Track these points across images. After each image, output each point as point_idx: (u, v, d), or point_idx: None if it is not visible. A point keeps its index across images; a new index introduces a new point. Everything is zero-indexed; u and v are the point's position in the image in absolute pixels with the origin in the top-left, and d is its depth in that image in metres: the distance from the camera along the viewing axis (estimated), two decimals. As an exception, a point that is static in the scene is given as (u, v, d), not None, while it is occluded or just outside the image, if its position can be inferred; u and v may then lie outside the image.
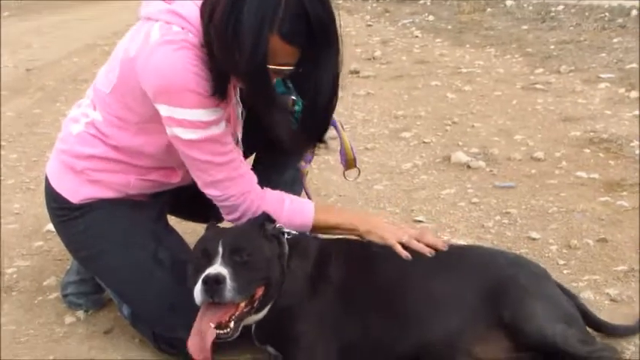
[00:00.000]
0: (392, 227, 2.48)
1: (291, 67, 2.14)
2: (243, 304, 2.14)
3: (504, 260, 2.37)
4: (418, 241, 2.38)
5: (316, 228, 2.48)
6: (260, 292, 2.19)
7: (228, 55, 2.05)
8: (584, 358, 2.12)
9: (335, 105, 2.34)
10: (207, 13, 2.08)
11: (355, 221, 2.51)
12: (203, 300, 2.06)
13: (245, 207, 2.38)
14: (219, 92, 2.16)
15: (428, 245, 2.36)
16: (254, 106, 2.28)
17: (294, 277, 2.30)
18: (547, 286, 2.29)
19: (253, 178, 2.42)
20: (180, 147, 2.27)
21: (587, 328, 2.28)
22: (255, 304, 2.19)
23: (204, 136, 2.22)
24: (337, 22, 2.16)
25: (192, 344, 2.11)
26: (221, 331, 2.10)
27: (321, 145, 2.50)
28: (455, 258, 2.37)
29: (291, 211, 2.44)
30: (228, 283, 2.04)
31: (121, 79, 2.30)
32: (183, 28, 2.16)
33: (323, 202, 3.64)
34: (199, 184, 2.38)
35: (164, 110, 2.19)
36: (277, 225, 2.39)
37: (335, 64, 2.22)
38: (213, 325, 2.08)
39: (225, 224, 2.50)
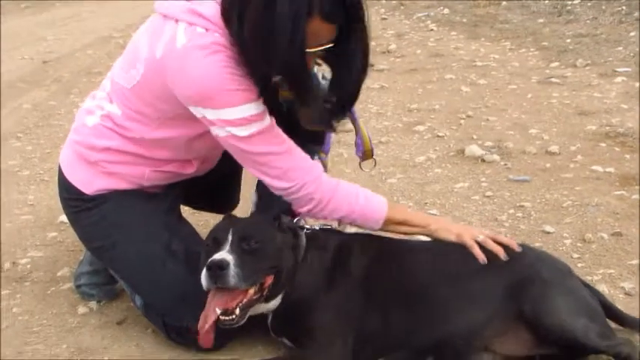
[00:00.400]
0: (465, 226, 2.46)
1: (328, 45, 2.14)
2: (252, 292, 2.16)
3: (529, 255, 2.35)
4: (493, 241, 2.35)
5: (387, 224, 2.44)
6: (269, 280, 2.20)
7: (264, 52, 2.05)
8: (603, 352, 2.11)
9: (364, 78, 2.31)
10: (237, 15, 2.07)
11: (425, 219, 2.49)
12: (208, 285, 2.09)
13: (320, 196, 2.34)
14: (258, 86, 2.16)
15: (501, 245, 2.34)
16: (292, 93, 2.27)
17: (311, 269, 2.32)
18: (570, 281, 2.28)
19: (320, 166, 2.40)
20: (239, 145, 2.25)
21: (609, 321, 2.26)
22: (264, 293, 2.20)
23: (259, 129, 2.21)
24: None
25: (199, 328, 2.14)
26: (226, 317, 2.13)
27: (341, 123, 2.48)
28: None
29: (366, 202, 2.41)
30: (232, 269, 2.07)
31: (145, 77, 2.29)
32: (207, 30, 2.15)
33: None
34: (267, 182, 2.34)
35: (210, 114, 2.18)
36: (296, 219, 2.40)
37: (366, 36, 2.21)
38: (219, 311, 2.11)
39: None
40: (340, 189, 2.39)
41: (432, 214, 3.49)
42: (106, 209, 2.50)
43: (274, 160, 2.28)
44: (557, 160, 4.20)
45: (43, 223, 3.69)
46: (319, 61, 2.32)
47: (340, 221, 2.47)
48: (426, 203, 3.68)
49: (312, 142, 2.65)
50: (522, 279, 2.22)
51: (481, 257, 2.29)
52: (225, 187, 2.81)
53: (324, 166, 2.71)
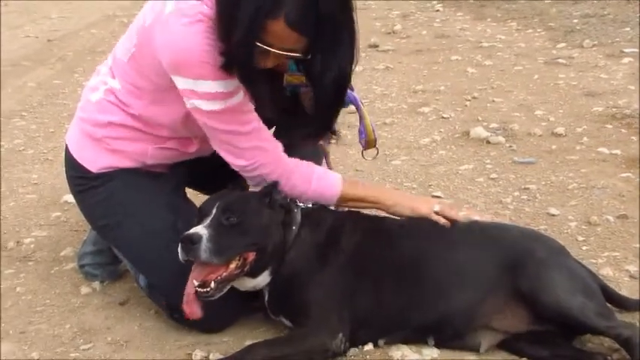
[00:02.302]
0: (421, 198, 2.47)
1: (298, 54, 2.13)
2: (233, 267, 2.20)
3: (521, 234, 2.36)
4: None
5: (342, 200, 2.49)
6: (251, 257, 2.23)
7: (223, 31, 2.07)
8: (602, 332, 2.11)
9: (340, 103, 2.33)
10: None
11: (381, 195, 2.52)
12: (182, 258, 2.14)
13: (276, 176, 2.37)
14: (231, 64, 2.14)
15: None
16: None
17: (304, 245, 2.33)
18: (565, 260, 2.28)
19: (280, 146, 2.42)
20: (202, 119, 2.27)
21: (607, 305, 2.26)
22: (245, 269, 2.23)
23: (225, 107, 2.22)
24: (354, 20, 2.15)
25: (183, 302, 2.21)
26: (201, 290, 2.17)
27: (332, 137, 2.51)
28: (472, 231, 2.37)
29: (320, 182, 2.44)
30: (203, 244, 2.11)
31: (138, 47, 2.32)
32: (201, 1, 2.14)
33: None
34: (225, 156, 2.37)
35: (181, 83, 2.20)
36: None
37: (344, 61, 2.19)
38: (196, 283, 2.17)
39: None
40: (297, 169, 2.42)
41: (437, 196, 3.48)
42: (112, 188, 2.51)
43: (235, 139, 2.31)
44: (563, 142, 4.17)
45: (46, 203, 3.69)
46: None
47: (297, 199, 2.46)
48: (431, 185, 3.67)
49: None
50: (518, 256, 2.23)
51: (442, 222, 2.36)
52: (229, 170, 2.80)
53: (326, 152, 2.70)
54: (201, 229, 2.15)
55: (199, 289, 2.18)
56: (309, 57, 2.14)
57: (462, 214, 2.42)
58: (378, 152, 2.76)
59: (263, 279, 2.32)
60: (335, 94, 2.27)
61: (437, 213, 2.40)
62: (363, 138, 2.67)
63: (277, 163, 2.39)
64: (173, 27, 2.15)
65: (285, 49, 2.10)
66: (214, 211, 2.22)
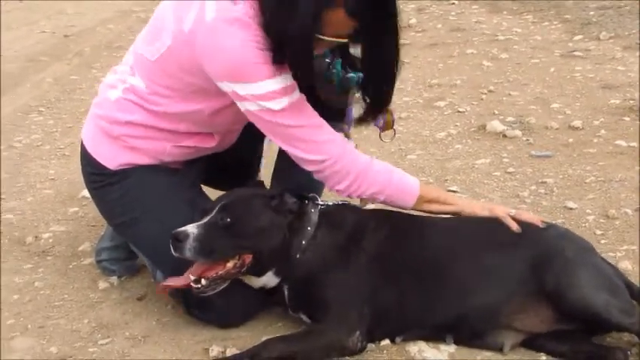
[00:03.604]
0: (492, 203, 2.54)
1: (345, 39, 2.14)
2: (230, 266, 2.24)
3: (551, 232, 2.35)
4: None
5: (421, 201, 2.45)
6: (248, 259, 2.25)
7: (279, 24, 2.07)
8: (626, 329, 2.11)
9: (394, 83, 2.35)
10: None
11: (456, 197, 2.56)
12: (173, 253, 2.18)
13: (356, 170, 2.34)
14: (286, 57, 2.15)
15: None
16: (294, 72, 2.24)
17: (321, 246, 2.33)
18: (592, 258, 2.28)
19: (352, 144, 2.41)
20: (272, 119, 2.24)
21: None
22: (242, 270, 2.26)
23: (291, 101, 2.21)
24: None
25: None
26: (195, 285, 2.22)
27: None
28: (500, 229, 2.34)
29: (399, 182, 2.42)
30: (189, 242, 2.15)
31: (172, 50, 2.28)
32: (235, 3, 2.14)
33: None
34: (300, 156, 2.32)
35: (241, 89, 2.18)
36: (312, 195, 2.40)
37: (394, 43, 2.23)
38: (192, 278, 2.22)
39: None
40: (375, 165, 2.39)
41: (453, 191, 3.47)
42: (129, 184, 2.51)
43: (308, 133, 2.28)
44: (580, 135, 4.15)
45: (64, 198, 3.71)
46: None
47: (373, 199, 2.45)
48: (447, 180, 3.66)
49: (332, 118, 2.64)
50: (544, 255, 2.22)
51: (514, 226, 2.32)
52: (244, 168, 2.81)
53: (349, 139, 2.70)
54: (190, 228, 2.19)
55: (193, 285, 2.22)
56: (358, 40, 2.17)
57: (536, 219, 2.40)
58: (395, 133, 2.74)
59: (269, 279, 2.34)
60: (387, 71, 2.29)
61: (512, 217, 2.37)
62: (380, 120, 2.65)
63: (353, 159, 2.35)
64: (223, 37, 2.13)
65: (337, 36, 2.10)
66: (216, 209, 2.25)
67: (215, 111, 2.37)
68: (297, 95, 2.22)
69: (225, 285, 2.28)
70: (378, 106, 2.42)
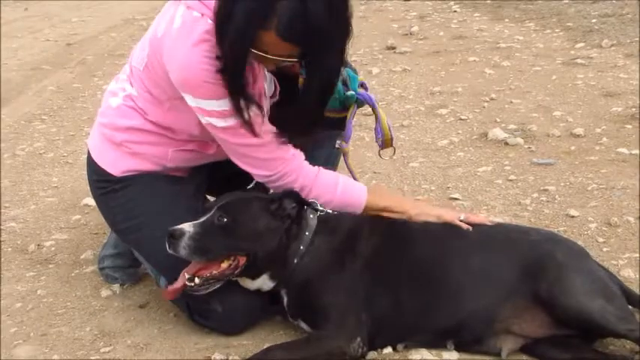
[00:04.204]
0: (444, 208, 2.53)
1: (294, 59, 2.15)
2: (225, 266, 2.26)
3: (540, 236, 2.35)
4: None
5: (368, 210, 2.49)
6: (242, 261, 2.27)
7: (219, 39, 2.10)
8: (623, 335, 2.10)
9: (322, 106, 2.33)
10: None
11: (406, 204, 2.54)
12: (168, 250, 2.21)
13: (299, 185, 2.39)
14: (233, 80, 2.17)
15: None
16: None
17: (318, 251, 2.34)
18: (585, 262, 2.27)
19: (301, 156, 2.44)
20: (218, 134, 2.32)
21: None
22: (235, 272, 2.28)
23: (235, 122, 2.25)
24: (346, 23, 2.12)
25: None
26: (189, 283, 2.25)
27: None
28: (491, 235, 2.36)
29: (344, 192, 2.46)
30: (184, 240, 2.18)
31: (150, 57, 2.36)
32: (202, 15, 2.18)
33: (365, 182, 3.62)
34: (248, 170, 2.40)
35: (190, 100, 2.25)
36: (310, 200, 2.40)
37: (331, 67, 2.19)
38: (187, 276, 2.25)
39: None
40: (320, 178, 2.44)
41: (454, 199, 3.48)
42: (133, 191, 2.53)
43: (253, 151, 2.34)
44: (582, 143, 4.15)
45: (66, 206, 3.72)
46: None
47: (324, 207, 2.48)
48: (449, 187, 3.66)
49: (332, 127, 2.66)
50: (538, 260, 2.22)
51: (465, 227, 2.37)
52: (246, 177, 2.82)
53: (344, 153, 2.70)
54: (187, 226, 2.22)
55: (187, 283, 2.25)
56: (306, 60, 2.17)
57: (483, 217, 2.43)
58: (395, 151, 2.77)
59: (264, 282, 2.35)
60: (318, 97, 2.27)
61: (462, 220, 2.41)
62: (379, 137, 2.67)
63: (299, 172, 2.40)
64: (179, 47, 2.19)
65: (279, 55, 2.12)
66: (213, 209, 2.27)
67: (200, 122, 2.38)
68: (254, 111, 2.25)
69: (218, 285, 2.30)
70: (300, 129, 2.39)
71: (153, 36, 2.33)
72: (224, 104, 2.21)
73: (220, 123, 2.26)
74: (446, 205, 3.33)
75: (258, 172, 2.40)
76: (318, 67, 2.17)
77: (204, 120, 2.28)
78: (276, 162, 2.36)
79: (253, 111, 2.25)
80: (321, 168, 2.47)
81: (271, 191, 2.47)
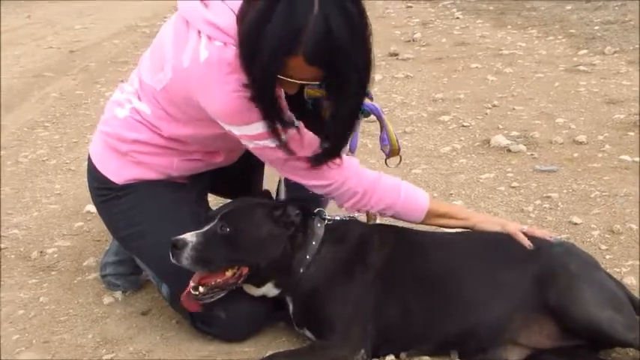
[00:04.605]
0: (505, 219, 2.51)
1: (318, 82, 2.13)
2: (229, 275, 2.26)
3: (555, 247, 2.34)
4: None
5: (430, 215, 2.48)
6: (246, 270, 2.26)
7: (246, 63, 2.07)
8: (631, 345, 2.10)
9: (352, 130, 2.31)
10: (239, 17, 2.09)
11: (466, 211, 2.55)
12: (172, 260, 2.21)
13: (363, 189, 2.38)
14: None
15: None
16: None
17: (326, 261, 2.33)
18: (596, 273, 2.26)
19: (356, 161, 2.43)
20: (270, 154, 2.29)
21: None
22: (239, 281, 2.28)
23: (287, 137, 2.22)
24: (368, 42, 2.10)
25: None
26: (194, 292, 2.25)
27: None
28: (502, 244, 2.34)
29: (407, 196, 2.45)
30: (187, 251, 2.18)
31: (173, 84, 2.31)
32: (225, 44, 2.16)
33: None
34: (305, 183, 2.38)
35: (235, 130, 2.24)
36: (318, 209, 2.40)
37: (355, 93, 2.16)
38: (192, 284, 2.25)
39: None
40: (382, 181, 2.42)
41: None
42: (135, 198, 2.53)
43: (306, 165, 2.30)
44: (585, 150, 4.15)
45: (69, 213, 3.72)
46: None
47: (382, 213, 2.48)
48: (451, 194, 3.66)
49: None
50: (548, 270, 2.21)
51: (527, 243, 2.32)
52: (250, 176, 2.82)
53: None
54: (189, 236, 2.22)
55: (192, 291, 2.26)
56: (331, 84, 2.14)
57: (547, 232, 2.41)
58: (401, 160, 2.76)
59: (269, 290, 2.35)
60: (346, 122, 2.24)
61: (524, 233, 2.37)
62: (386, 145, 2.66)
63: (360, 177, 2.39)
64: (212, 82, 2.16)
65: (305, 79, 2.10)
66: (217, 218, 2.27)
67: (219, 135, 2.38)
68: (292, 130, 2.23)
69: (223, 294, 2.29)
70: (333, 153, 2.35)
71: (177, 64, 2.26)
72: (267, 124, 2.19)
73: (271, 142, 2.23)
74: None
75: (315, 183, 2.37)
76: (344, 89, 2.13)
77: (255, 144, 2.26)
78: (331, 171, 2.34)
79: (289, 132, 2.24)
80: (382, 173, 2.46)
81: (282, 197, 2.45)
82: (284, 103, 2.24)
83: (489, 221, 2.48)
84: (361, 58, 2.08)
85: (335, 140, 2.28)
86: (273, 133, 2.19)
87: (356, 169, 2.40)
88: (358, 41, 2.04)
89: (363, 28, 2.06)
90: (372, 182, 2.40)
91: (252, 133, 2.22)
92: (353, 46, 2.02)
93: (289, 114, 2.23)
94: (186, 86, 2.24)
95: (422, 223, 2.49)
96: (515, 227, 2.39)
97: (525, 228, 2.39)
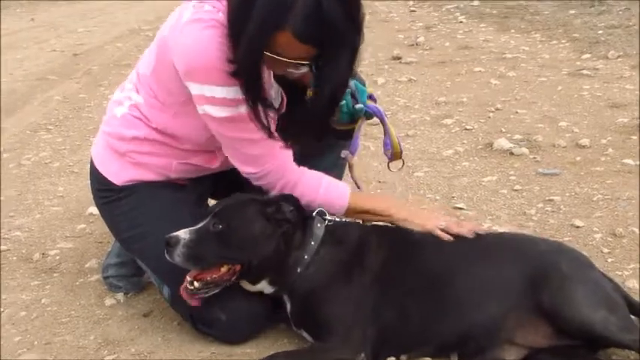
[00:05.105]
0: (428, 214, 2.51)
1: (306, 62, 2.13)
2: (224, 271, 2.27)
3: (546, 247, 2.34)
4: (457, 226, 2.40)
5: (351, 211, 2.49)
6: (239, 267, 2.27)
7: (233, 35, 2.10)
8: (627, 346, 2.09)
9: (330, 113, 2.33)
10: None
11: (391, 208, 2.51)
12: (167, 257, 2.22)
13: (282, 184, 2.40)
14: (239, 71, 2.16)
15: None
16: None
17: (324, 262, 2.33)
18: (589, 273, 2.25)
19: (289, 154, 2.43)
20: (212, 125, 2.31)
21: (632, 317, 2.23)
22: (232, 278, 2.28)
23: (234, 114, 2.24)
24: (359, 30, 2.11)
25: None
26: (189, 287, 2.26)
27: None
28: (496, 245, 2.36)
29: (328, 191, 2.46)
30: (179, 248, 2.19)
31: (157, 58, 2.36)
32: (214, 7, 2.19)
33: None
34: (235, 163, 2.41)
35: (194, 88, 2.24)
36: (319, 209, 2.41)
37: (343, 72, 2.16)
38: (189, 279, 2.26)
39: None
40: (304, 177, 2.44)
41: (459, 208, 3.47)
42: (136, 199, 2.53)
43: (244, 146, 2.34)
44: (588, 154, 4.14)
45: (72, 215, 3.72)
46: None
47: (306, 207, 2.47)
48: (454, 197, 3.65)
49: (338, 138, 2.67)
50: (541, 271, 2.21)
51: (447, 237, 2.36)
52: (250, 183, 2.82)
53: (350, 165, 2.71)
54: (182, 233, 2.23)
55: (188, 286, 2.27)
56: (319, 65, 2.14)
57: (467, 230, 2.39)
58: (404, 163, 2.76)
59: (264, 287, 2.35)
60: (329, 103, 2.25)
61: (442, 229, 2.38)
62: (388, 149, 2.66)
63: (284, 171, 2.40)
64: (187, 32, 2.19)
65: (294, 58, 2.10)
66: (210, 215, 2.27)
67: (205, 126, 2.38)
68: (241, 110, 2.24)
69: (217, 290, 2.29)
70: (311, 133, 2.41)
71: (160, 36, 2.33)
72: (229, 92, 2.19)
73: (217, 112, 2.24)
74: (450, 213, 3.33)
75: (245, 168, 2.40)
76: (331, 69, 2.14)
77: (202, 109, 2.26)
78: (265, 159, 2.36)
79: (270, 115, 2.26)
80: (305, 168, 2.46)
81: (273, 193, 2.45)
82: (266, 84, 2.25)
83: (410, 221, 2.45)
84: (353, 39, 2.09)
85: (313, 125, 2.32)
86: (254, 117, 2.21)
87: (285, 162, 2.41)
88: (351, 21, 2.06)
89: (357, 9, 2.08)
90: (295, 178, 2.42)
91: (209, 95, 2.21)
92: (344, 23, 2.03)
93: (269, 96, 2.26)
94: (168, 51, 2.26)
95: (345, 217, 2.51)
96: (433, 226, 2.39)
97: (443, 225, 2.39)
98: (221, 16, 2.16)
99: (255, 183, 2.44)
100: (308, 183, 2.44)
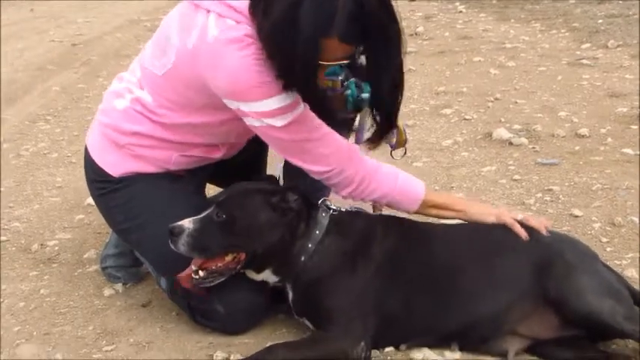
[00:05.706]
0: (502, 209, 2.49)
1: (345, 61, 2.13)
2: (229, 260, 2.27)
3: (551, 237, 2.34)
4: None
5: (425, 205, 2.47)
6: (243, 256, 2.27)
7: (281, 52, 2.06)
8: (631, 336, 2.10)
9: (398, 98, 2.33)
10: (262, 9, 2.07)
11: (464, 202, 2.53)
12: (171, 246, 2.23)
13: (360, 178, 2.37)
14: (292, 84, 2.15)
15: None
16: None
17: (329, 252, 2.32)
18: (595, 264, 2.26)
19: (356, 148, 2.43)
20: (275, 134, 2.26)
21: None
22: (237, 267, 2.29)
23: (294, 117, 2.21)
24: (398, 16, 2.13)
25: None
26: (194, 276, 2.28)
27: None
28: (501, 235, 2.34)
29: (404, 185, 2.44)
30: (183, 237, 2.20)
31: (177, 67, 2.30)
32: (238, 22, 2.15)
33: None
34: (306, 168, 2.36)
35: (245, 107, 2.20)
36: (323, 199, 2.40)
37: (395, 58, 2.18)
38: (194, 268, 2.27)
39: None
40: (380, 170, 2.41)
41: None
42: (133, 191, 2.52)
43: (311, 147, 2.30)
44: (587, 143, 4.14)
45: (70, 206, 3.72)
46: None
47: (378, 202, 2.49)
48: (453, 187, 3.65)
49: (339, 126, 2.65)
50: (547, 261, 2.21)
51: (523, 234, 2.31)
52: (251, 167, 2.81)
53: None
54: (187, 223, 2.23)
55: (193, 275, 2.27)
56: (359, 60, 2.15)
57: (543, 225, 2.37)
58: (405, 151, 2.76)
59: (268, 276, 2.35)
60: (393, 89, 2.26)
61: (520, 222, 2.36)
62: (393, 137, 2.66)
63: (359, 165, 2.38)
64: (225, 56, 2.14)
65: (335, 60, 2.10)
66: (214, 204, 2.27)
67: (222, 122, 2.38)
68: (300, 109, 2.22)
69: (223, 279, 2.30)
70: (387, 124, 2.39)
71: (181, 46, 2.26)
72: (281, 100, 2.17)
73: (278, 122, 2.20)
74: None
75: (316, 169, 2.34)
76: (383, 58, 2.14)
77: (259, 122, 2.22)
78: (335, 156, 2.32)
79: (304, 106, 2.24)
80: (378, 162, 2.45)
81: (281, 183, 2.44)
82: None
83: (485, 213, 2.45)
84: (389, 22, 2.10)
85: (385, 113, 2.32)
86: (289, 107, 2.19)
87: (356, 157, 2.39)
88: (383, 6, 2.07)
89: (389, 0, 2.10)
90: (370, 171, 2.39)
91: (262, 109, 2.18)
92: (381, 12, 2.06)
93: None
94: (192, 67, 2.23)
95: (416, 212, 2.49)
96: (510, 218, 2.37)
97: (520, 217, 2.38)
98: (249, 28, 2.13)
99: (331, 182, 2.39)
100: (385, 175, 2.42)
